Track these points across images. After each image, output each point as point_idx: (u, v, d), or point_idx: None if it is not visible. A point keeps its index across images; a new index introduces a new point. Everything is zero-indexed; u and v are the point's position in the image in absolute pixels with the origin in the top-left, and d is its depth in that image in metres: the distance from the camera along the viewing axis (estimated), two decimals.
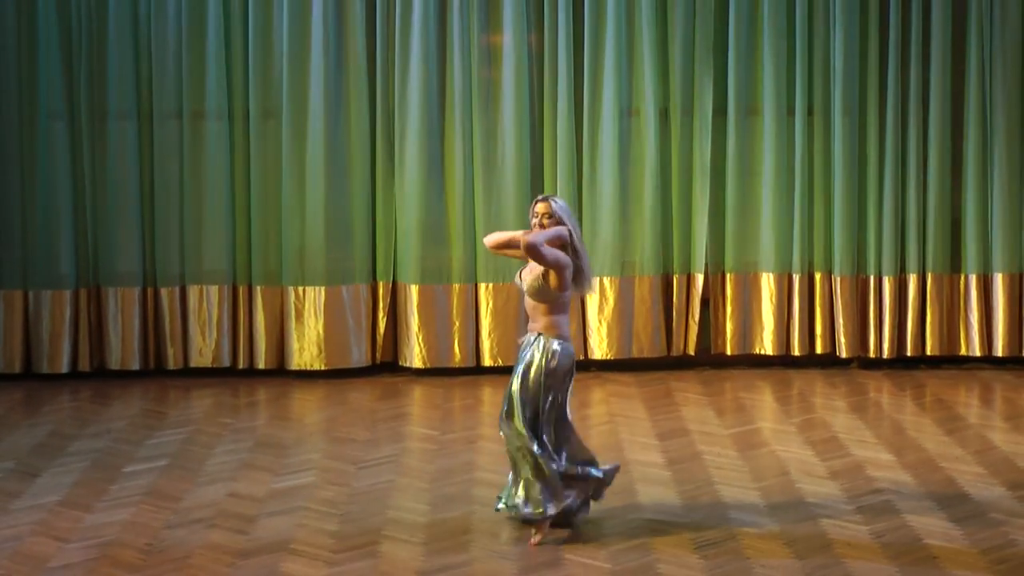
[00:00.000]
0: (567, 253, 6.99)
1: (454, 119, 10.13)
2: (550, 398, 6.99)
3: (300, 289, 10.18)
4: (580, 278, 7.06)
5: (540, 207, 7.00)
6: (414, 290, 10.19)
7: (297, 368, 10.21)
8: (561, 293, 7.00)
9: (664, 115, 10.26)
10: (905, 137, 10.26)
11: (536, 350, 7.01)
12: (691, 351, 10.41)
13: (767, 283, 10.33)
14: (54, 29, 9.96)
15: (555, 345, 7.00)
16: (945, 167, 10.27)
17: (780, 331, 10.33)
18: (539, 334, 7.04)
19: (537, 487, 6.96)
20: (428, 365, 10.22)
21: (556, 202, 7.03)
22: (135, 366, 10.17)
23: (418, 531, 7.09)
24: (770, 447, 8.52)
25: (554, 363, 6.97)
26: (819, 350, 10.37)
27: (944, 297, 10.32)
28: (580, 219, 10.25)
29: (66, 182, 10.06)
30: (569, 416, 7.14)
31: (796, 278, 10.31)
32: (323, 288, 10.16)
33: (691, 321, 10.37)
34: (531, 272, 7.05)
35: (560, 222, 6.99)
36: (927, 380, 10.13)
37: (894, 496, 7.56)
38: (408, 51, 10.08)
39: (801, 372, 10.31)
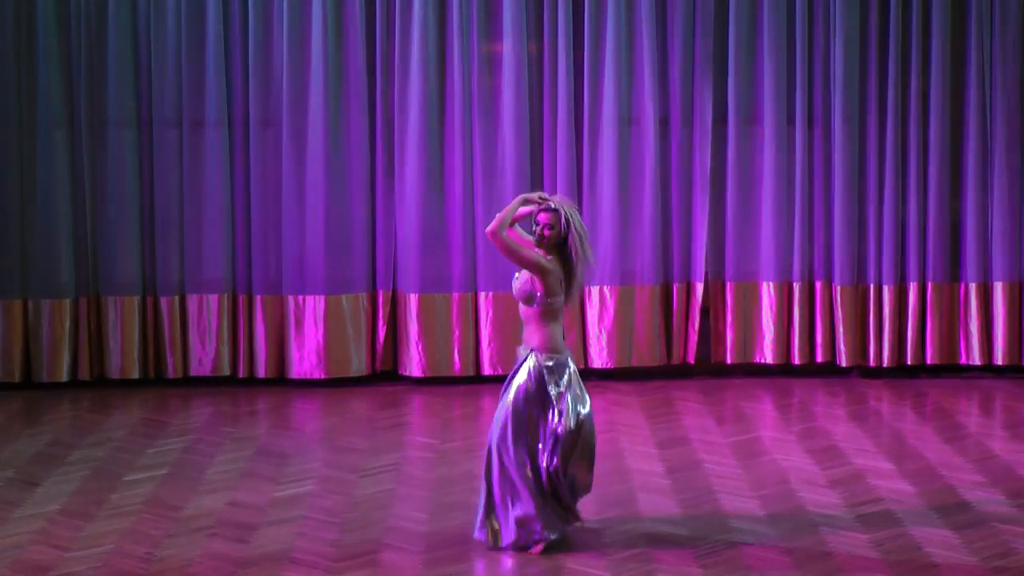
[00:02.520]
0: (565, 253, 6.89)
1: (454, 127, 10.14)
2: (549, 414, 6.94)
3: (300, 298, 10.18)
4: (569, 286, 6.91)
5: (545, 217, 6.90)
6: (414, 299, 10.19)
7: (297, 377, 10.21)
8: (550, 299, 6.90)
9: (664, 123, 10.27)
10: (905, 146, 10.26)
11: (525, 371, 6.93)
12: (691, 360, 10.41)
13: (767, 292, 10.33)
14: (53, 38, 9.96)
15: (548, 363, 6.91)
16: (945, 176, 10.27)
17: (780, 340, 10.33)
18: (531, 350, 6.95)
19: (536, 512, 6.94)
20: (428, 374, 10.21)
21: (564, 207, 6.90)
22: (135, 375, 10.17)
23: (418, 540, 7.09)
24: (770, 456, 8.51)
25: (549, 382, 6.91)
26: (819, 359, 10.36)
27: (944, 306, 10.32)
28: None
29: (66, 191, 10.07)
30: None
31: (796, 287, 10.31)
32: (323, 297, 10.15)
33: (691, 330, 10.37)
34: (520, 275, 6.97)
35: (566, 235, 6.91)
36: (927, 389, 10.13)
37: (894, 505, 7.55)
38: (408, 59, 10.08)
39: (801, 381, 10.30)
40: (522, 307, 6.95)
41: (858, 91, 10.19)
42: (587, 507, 7.49)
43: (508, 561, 6.83)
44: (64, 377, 10.11)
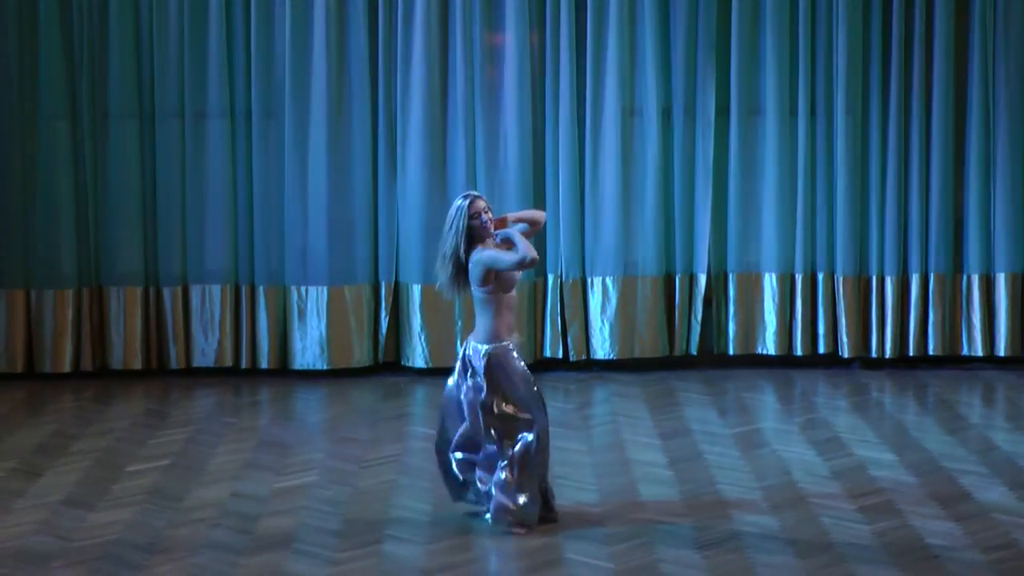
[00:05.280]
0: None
1: (456, 118, 10.14)
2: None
3: (303, 289, 10.18)
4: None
5: (482, 203, 7.03)
6: (416, 290, 10.19)
7: (300, 368, 10.22)
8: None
9: (666, 115, 10.27)
10: (908, 137, 10.26)
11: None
12: (693, 351, 10.41)
13: (769, 283, 10.33)
14: (55, 28, 9.96)
15: None
16: (948, 167, 10.27)
17: (782, 331, 10.33)
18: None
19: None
20: (431, 365, 10.22)
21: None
22: (138, 366, 10.18)
23: (420, 530, 7.10)
24: (772, 447, 8.52)
25: None
26: (821, 350, 10.37)
27: (946, 297, 10.32)
28: (582, 219, 10.27)
29: (68, 181, 10.07)
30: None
31: (799, 278, 10.31)
32: (325, 288, 10.16)
33: (693, 321, 10.37)
34: None
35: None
36: (929, 380, 10.13)
37: (896, 496, 7.56)
38: (410, 50, 10.08)
39: (803, 372, 10.31)
40: (514, 295, 7.11)
41: (861, 82, 10.18)
42: (589, 497, 7.52)
43: (509, 551, 6.84)
44: (67, 367, 10.12)
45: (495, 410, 7.02)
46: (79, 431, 8.94)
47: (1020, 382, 10.10)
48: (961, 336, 10.37)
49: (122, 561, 6.71)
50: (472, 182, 10.13)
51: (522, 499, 7.00)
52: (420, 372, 10.27)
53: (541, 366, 10.16)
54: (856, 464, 8.14)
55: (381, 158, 10.20)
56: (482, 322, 7.05)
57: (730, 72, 10.20)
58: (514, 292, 7.08)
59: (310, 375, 10.23)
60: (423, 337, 10.21)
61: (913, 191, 10.27)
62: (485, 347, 7.01)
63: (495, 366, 6.99)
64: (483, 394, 7.03)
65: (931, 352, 10.35)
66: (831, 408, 9.46)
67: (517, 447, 7.00)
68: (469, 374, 7.09)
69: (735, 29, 10.15)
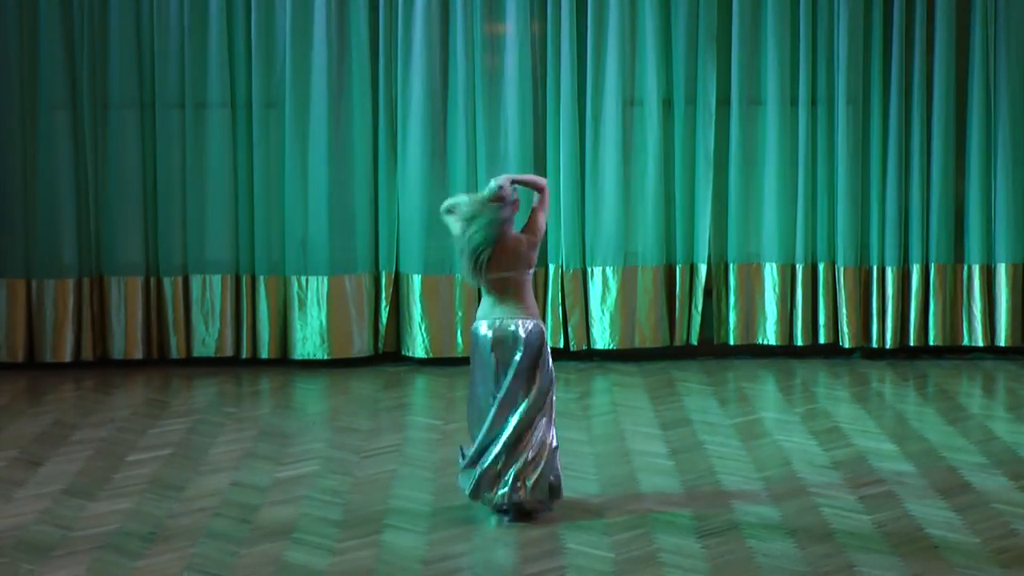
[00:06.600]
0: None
1: (457, 108, 10.13)
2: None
3: (303, 278, 10.19)
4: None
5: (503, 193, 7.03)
6: (417, 280, 10.19)
7: (300, 358, 10.22)
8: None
9: (667, 104, 10.26)
10: (909, 127, 10.26)
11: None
12: (694, 341, 10.41)
13: (770, 273, 10.33)
14: (56, 18, 9.96)
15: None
16: (949, 157, 10.27)
17: (783, 321, 10.34)
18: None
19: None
20: (431, 355, 10.22)
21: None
22: (138, 355, 10.18)
23: (421, 520, 7.10)
24: (772, 437, 8.52)
25: None
26: (822, 340, 10.37)
27: (947, 287, 10.32)
28: (583, 209, 10.27)
29: (69, 171, 10.07)
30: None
31: (799, 268, 10.31)
32: (326, 278, 10.17)
33: (694, 311, 10.37)
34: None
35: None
36: (930, 370, 10.13)
37: (896, 486, 7.56)
38: (411, 40, 10.08)
39: (804, 362, 10.31)
40: (521, 273, 7.06)
41: (862, 72, 10.18)
42: (590, 487, 7.53)
43: (509, 541, 6.84)
44: (67, 357, 10.12)
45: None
46: (80, 420, 8.94)
47: (1020, 372, 10.10)
48: (961, 326, 10.37)
49: (123, 550, 6.71)
50: (472, 172, 10.13)
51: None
52: (420, 362, 10.28)
53: None
54: (856, 454, 8.15)
55: (382, 148, 10.20)
56: (528, 302, 7.01)
57: (731, 62, 10.19)
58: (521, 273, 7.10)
59: (310, 365, 10.24)
60: (423, 327, 10.21)
61: (914, 181, 10.27)
62: (535, 323, 6.97)
63: (542, 344, 6.97)
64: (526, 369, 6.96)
65: (931, 342, 10.35)
66: (831, 398, 9.46)
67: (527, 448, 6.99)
68: (501, 361, 6.97)
69: (736, 19, 10.14)
